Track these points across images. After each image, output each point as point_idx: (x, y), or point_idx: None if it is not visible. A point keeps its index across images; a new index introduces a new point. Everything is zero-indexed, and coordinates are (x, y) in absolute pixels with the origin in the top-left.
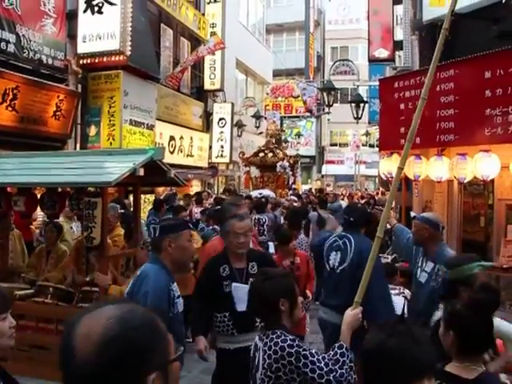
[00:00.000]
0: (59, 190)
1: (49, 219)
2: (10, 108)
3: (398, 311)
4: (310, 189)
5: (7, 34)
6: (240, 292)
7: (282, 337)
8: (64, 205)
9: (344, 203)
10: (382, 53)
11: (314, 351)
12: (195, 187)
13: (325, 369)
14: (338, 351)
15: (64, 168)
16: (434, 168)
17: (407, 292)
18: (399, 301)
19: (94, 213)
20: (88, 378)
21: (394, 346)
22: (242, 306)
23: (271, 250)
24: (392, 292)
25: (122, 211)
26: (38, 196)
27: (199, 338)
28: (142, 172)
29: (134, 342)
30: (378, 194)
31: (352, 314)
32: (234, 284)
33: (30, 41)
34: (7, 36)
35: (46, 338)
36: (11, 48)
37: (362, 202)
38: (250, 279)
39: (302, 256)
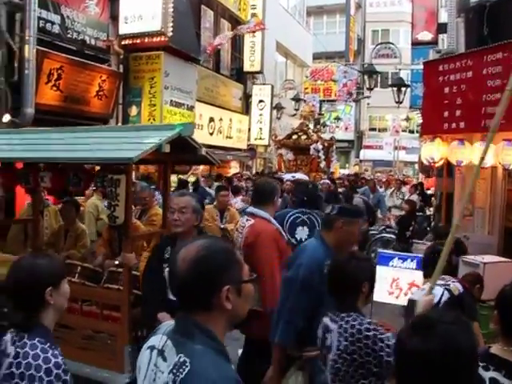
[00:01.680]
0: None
1: (72, 197)
2: (54, 88)
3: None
4: (350, 174)
5: (52, 15)
6: None
7: (359, 320)
8: (90, 182)
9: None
10: (426, 36)
11: (390, 334)
12: (233, 169)
13: None
14: None
15: (89, 144)
16: (478, 154)
17: (454, 286)
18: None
19: (117, 190)
20: (184, 288)
21: None
22: None
23: None
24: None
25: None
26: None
27: (162, 315)
28: (167, 148)
29: (214, 260)
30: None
31: (427, 299)
32: (167, 268)
33: (74, 22)
34: (52, 17)
35: (70, 317)
36: (56, 29)
37: (409, 187)
38: None
39: None
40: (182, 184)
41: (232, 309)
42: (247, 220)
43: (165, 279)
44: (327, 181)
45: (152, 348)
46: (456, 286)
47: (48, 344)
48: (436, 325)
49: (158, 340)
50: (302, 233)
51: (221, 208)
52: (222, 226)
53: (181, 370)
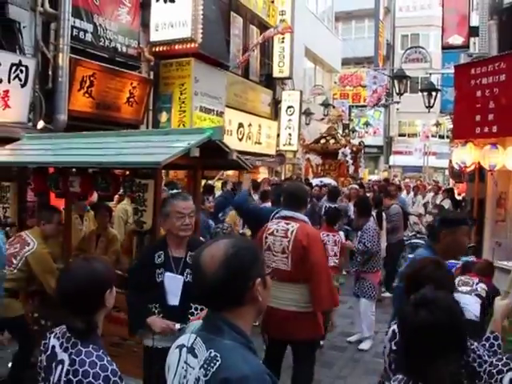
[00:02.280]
0: (114, 171)
1: (100, 202)
2: (86, 94)
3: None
4: (377, 180)
5: (85, 23)
6: (173, 283)
7: None
8: (118, 187)
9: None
10: (457, 39)
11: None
12: (262, 174)
13: (488, 361)
14: (495, 342)
15: (118, 148)
16: None
17: (481, 287)
18: (471, 302)
19: (145, 195)
20: (216, 287)
21: None
22: (173, 299)
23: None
24: (462, 289)
25: None
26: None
27: (152, 319)
28: (196, 152)
29: (244, 256)
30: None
31: (503, 303)
32: (167, 273)
33: (106, 30)
34: (85, 26)
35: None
36: (88, 37)
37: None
38: (187, 270)
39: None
40: (209, 189)
41: (262, 301)
42: (287, 223)
43: (159, 284)
44: (356, 186)
45: (181, 347)
46: (482, 287)
47: (101, 351)
48: (435, 300)
49: (186, 339)
50: None
51: None
52: (241, 231)
53: (212, 365)
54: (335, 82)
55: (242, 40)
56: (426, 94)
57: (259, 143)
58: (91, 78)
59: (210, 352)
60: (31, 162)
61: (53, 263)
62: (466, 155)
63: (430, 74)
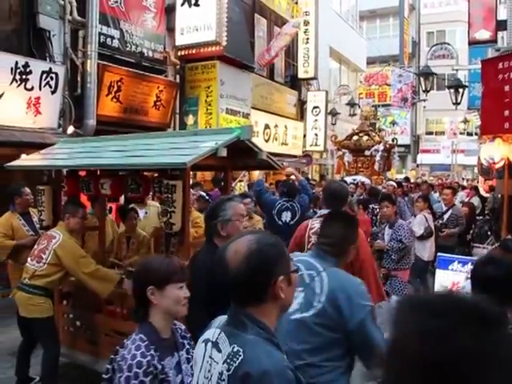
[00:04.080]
0: (144, 173)
1: (127, 203)
2: (114, 99)
3: None
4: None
5: (112, 30)
6: None
7: None
8: (149, 188)
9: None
10: (484, 34)
11: None
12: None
13: None
14: None
15: (146, 150)
16: None
17: None
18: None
19: (174, 197)
20: (239, 282)
21: None
22: None
23: None
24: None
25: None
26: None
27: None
28: (224, 152)
29: (268, 253)
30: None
31: None
32: None
33: (133, 35)
34: (112, 32)
35: (129, 325)
36: (115, 43)
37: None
38: None
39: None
40: (217, 182)
41: (285, 298)
42: None
43: None
44: (393, 182)
45: (206, 341)
46: None
47: (146, 342)
48: (499, 260)
49: (211, 333)
50: (286, 216)
51: None
52: None
53: (234, 359)
54: (360, 82)
55: (267, 41)
56: (452, 90)
57: (285, 144)
58: (119, 83)
59: (233, 347)
60: (63, 165)
61: (82, 250)
62: (495, 151)
63: (457, 70)
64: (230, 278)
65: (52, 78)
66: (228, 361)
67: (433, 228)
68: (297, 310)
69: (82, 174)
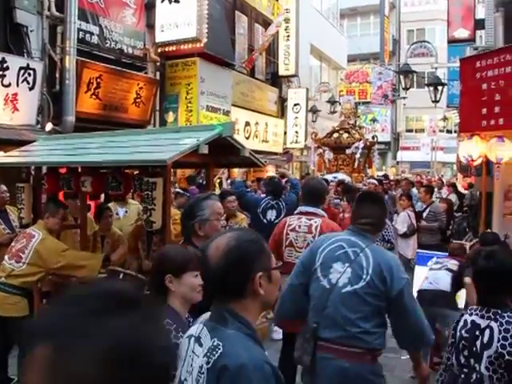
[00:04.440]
0: (125, 170)
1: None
2: (93, 96)
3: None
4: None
5: (91, 26)
6: None
7: None
8: (130, 186)
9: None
10: (462, 33)
11: None
12: (270, 172)
13: None
14: None
15: (127, 147)
16: None
17: (451, 263)
18: (442, 276)
19: (154, 194)
20: (218, 277)
21: None
22: None
23: None
24: (434, 267)
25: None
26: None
27: None
28: (205, 150)
29: (246, 249)
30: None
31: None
32: None
33: (112, 32)
34: (91, 28)
35: None
36: (95, 39)
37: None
38: None
39: None
40: (191, 180)
41: (264, 294)
42: (309, 219)
43: None
44: (373, 180)
45: (190, 336)
46: (453, 263)
47: (174, 326)
48: (494, 254)
49: (195, 329)
50: (271, 215)
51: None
52: None
53: (214, 353)
54: (341, 79)
55: (248, 39)
56: (432, 88)
57: (266, 141)
58: (98, 80)
59: (214, 341)
60: (43, 162)
61: (63, 244)
62: (473, 148)
63: (436, 68)
64: (211, 274)
65: (30, 74)
66: (208, 354)
67: (415, 225)
68: (347, 284)
69: (63, 171)
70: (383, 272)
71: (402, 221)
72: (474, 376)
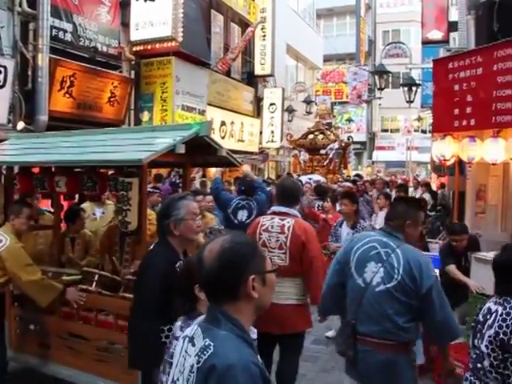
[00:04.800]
0: (100, 170)
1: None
2: (67, 95)
3: None
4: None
5: (64, 23)
6: None
7: None
8: (105, 186)
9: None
10: (436, 34)
11: None
12: (246, 168)
13: None
14: None
15: (102, 146)
16: (489, 150)
17: None
18: None
19: (129, 194)
20: (211, 279)
21: None
22: None
23: None
24: None
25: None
26: None
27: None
28: (182, 149)
29: (239, 251)
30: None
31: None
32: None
33: (86, 29)
34: (65, 26)
35: (85, 327)
36: (68, 37)
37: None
38: None
39: None
40: (158, 178)
41: (258, 297)
42: (282, 219)
43: None
44: (348, 183)
45: (185, 337)
46: None
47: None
48: (507, 248)
49: (190, 329)
50: (242, 215)
51: None
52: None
53: (205, 353)
54: (318, 79)
55: (224, 38)
56: (406, 88)
57: (242, 141)
58: (71, 78)
59: (206, 341)
60: (15, 161)
61: (28, 258)
62: (446, 148)
63: (411, 68)
64: (204, 276)
65: (0, 72)
66: (199, 354)
67: None
68: (380, 283)
69: (36, 170)
70: (413, 271)
71: (381, 221)
72: (479, 354)
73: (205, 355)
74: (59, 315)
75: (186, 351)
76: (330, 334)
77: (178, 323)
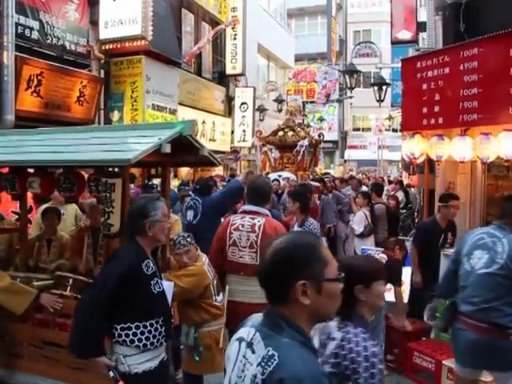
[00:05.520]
0: (78, 170)
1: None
2: (34, 94)
3: None
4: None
5: (31, 21)
6: (168, 291)
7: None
8: (83, 187)
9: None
10: (405, 34)
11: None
12: (218, 171)
13: None
14: None
15: (82, 145)
16: (457, 148)
17: (380, 256)
18: None
19: (113, 196)
20: (263, 276)
21: None
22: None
23: None
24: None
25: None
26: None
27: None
28: (168, 149)
29: (292, 253)
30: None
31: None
32: (164, 282)
33: (54, 27)
34: (31, 23)
35: (62, 335)
36: (35, 35)
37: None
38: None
39: None
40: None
41: (311, 305)
42: (252, 218)
43: (156, 297)
44: (315, 183)
45: (241, 340)
46: (381, 256)
47: (368, 335)
48: None
49: (246, 332)
50: (190, 215)
51: None
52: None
53: (269, 364)
54: (289, 79)
55: (194, 37)
56: (376, 88)
57: (213, 140)
58: (39, 77)
59: (268, 350)
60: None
61: None
62: (415, 147)
63: (381, 68)
64: (259, 273)
65: None
66: (262, 364)
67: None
68: (483, 267)
69: (4, 171)
70: None
71: (358, 221)
72: None
73: (270, 366)
74: (32, 322)
75: (244, 357)
76: None
77: (334, 323)
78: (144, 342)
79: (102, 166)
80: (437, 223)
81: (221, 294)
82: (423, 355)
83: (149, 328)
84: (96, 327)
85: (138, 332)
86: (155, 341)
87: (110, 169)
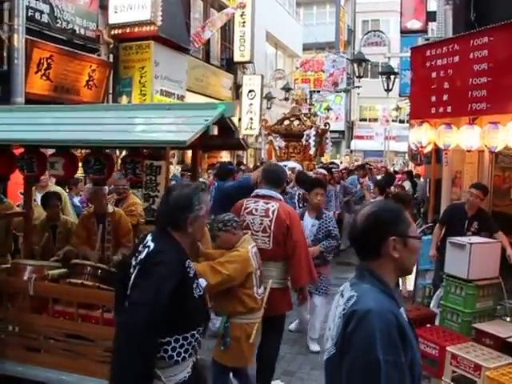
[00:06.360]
0: (107, 150)
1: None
2: (44, 77)
3: None
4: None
5: (41, 4)
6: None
7: None
8: (113, 169)
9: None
10: (415, 24)
11: None
12: (225, 158)
13: None
14: None
15: (116, 124)
16: (465, 137)
17: None
18: None
19: (158, 179)
20: (357, 237)
21: None
22: None
23: None
24: None
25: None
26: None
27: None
28: (215, 131)
29: (382, 215)
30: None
31: None
32: (200, 282)
33: (63, 11)
34: (41, 6)
35: (87, 327)
36: (45, 18)
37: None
38: None
39: None
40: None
41: (399, 258)
42: (266, 203)
43: (197, 301)
44: (322, 170)
45: (339, 292)
46: None
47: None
48: None
49: (343, 286)
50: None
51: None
52: None
53: (349, 301)
54: (297, 68)
55: (203, 23)
56: (384, 77)
57: None
58: (49, 61)
59: (352, 292)
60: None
61: None
62: (422, 135)
63: (389, 57)
64: (354, 234)
65: None
66: (346, 303)
67: None
68: None
69: (18, 150)
70: None
71: None
72: None
73: (349, 303)
74: (52, 315)
75: (337, 302)
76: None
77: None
78: (183, 355)
79: (156, 147)
80: (464, 209)
81: (262, 286)
82: (427, 341)
83: (189, 340)
84: (152, 357)
85: (177, 345)
86: (193, 351)
87: (145, 150)
